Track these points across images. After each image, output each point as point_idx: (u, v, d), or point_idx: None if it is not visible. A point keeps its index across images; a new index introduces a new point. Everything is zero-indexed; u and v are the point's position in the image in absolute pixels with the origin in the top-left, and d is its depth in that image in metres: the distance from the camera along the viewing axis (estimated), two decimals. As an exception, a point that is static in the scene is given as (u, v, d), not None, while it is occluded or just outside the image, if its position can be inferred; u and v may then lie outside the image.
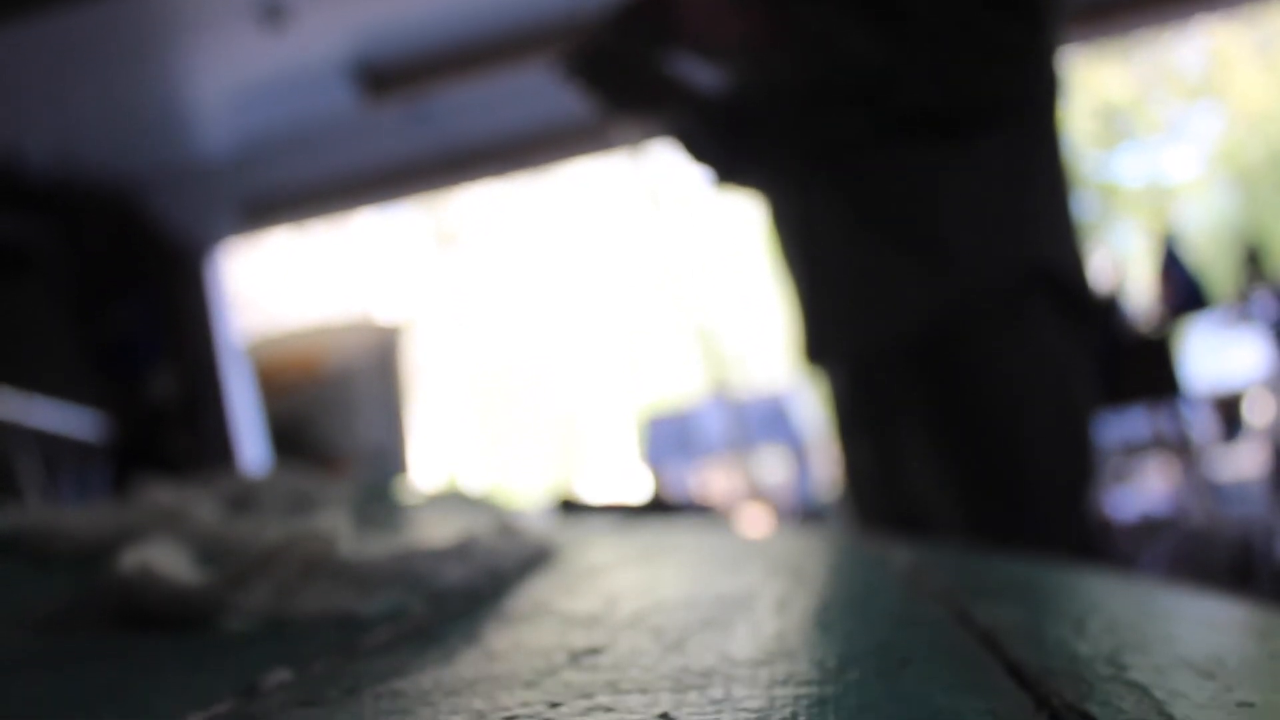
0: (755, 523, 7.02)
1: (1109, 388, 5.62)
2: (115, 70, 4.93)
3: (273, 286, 13.44)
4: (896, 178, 1.95)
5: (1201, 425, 8.10)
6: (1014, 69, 1.92)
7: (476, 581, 0.92)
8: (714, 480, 10.55)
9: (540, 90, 5.40)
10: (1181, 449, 6.52)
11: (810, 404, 8.81)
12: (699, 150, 2.21)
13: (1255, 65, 16.32)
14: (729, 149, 2.19)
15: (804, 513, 9.06)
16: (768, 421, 10.64)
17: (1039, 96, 1.97)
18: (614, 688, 0.53)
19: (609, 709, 0.49)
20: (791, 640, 0.63)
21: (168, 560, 0.84)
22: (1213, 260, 12.03)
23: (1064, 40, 2.07)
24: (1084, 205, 15.66)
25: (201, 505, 1.29)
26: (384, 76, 5.28)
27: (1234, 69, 16.44)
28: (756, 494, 10.51)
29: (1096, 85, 16.17)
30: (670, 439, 10.62)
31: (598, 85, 2.09)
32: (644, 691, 0.51)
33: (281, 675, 0.61)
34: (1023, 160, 1.95)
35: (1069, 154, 2.07)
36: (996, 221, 1.91)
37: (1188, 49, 16.43)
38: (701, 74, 2.13)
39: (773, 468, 11.21)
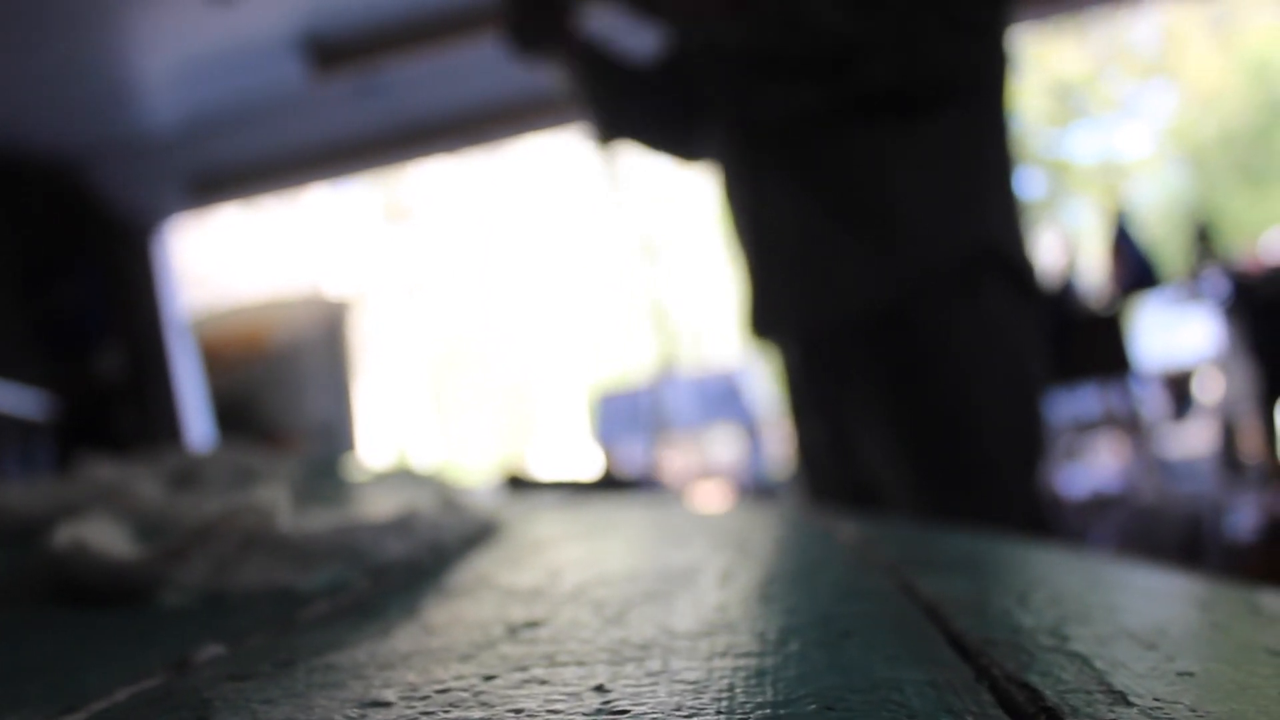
0: (707, 499, 7.03)
1: (1060, 365, 5.67)
2: (60, 43, 4.87)
3: (222, 262, 13.37)
4: (848, 155, 1.95)
5: (1152, 402, 8.18)
6: (973, 45, 1.92)
7: (418, 555, 0.91)
8: (666, 457, 10.56)
9: (491, 65, 5.37)
10: (1132, 426, 6.59)
11: (762, 381, 8.84)
12: (592, 102, 2.21)
13: (1208, 44, 16.46)
14: (619, 109, 2.20)
15: (756, 489, 9.09)
16: (720, 399, 10.66)
17: (991, 75, 1.97)
18: (551, 660, 0.52)
19: (543, 681, 0.48)
20: (733, 613, 0.63)
21: (103, 535, 0.83)
22: (1164, 238, 12.14)
23: (1015, 18, 2.08)
24: (1033, 183, 15.78)
25: (143, 481, 1.28)
26: (333, 50, 5.23)
27: (1187, 47, 16.58)
28: (709, 471, 10.54)
29: (1050, 62, 16.28)
30: (622, 416, 10.62)
31: (522, 30, 2.09)
32: (581, 664, 0.51)
33: (215, 649, 0.60)
34: (973, 139, 1.95)
35: (1016, 133, 2.07)
36: (947, 200, 1.91)
37: (1142, 27, 16.54)
38: (652, 37, 2.13)
39: (725, 445, 11.25)
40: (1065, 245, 7.77)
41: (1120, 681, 0.44)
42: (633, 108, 2.21)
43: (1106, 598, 0.71)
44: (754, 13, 1.92)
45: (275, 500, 0.86)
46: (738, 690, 0.45)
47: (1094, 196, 16.75)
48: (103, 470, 1.33)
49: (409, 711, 0.45)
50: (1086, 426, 7.18)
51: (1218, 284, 5.93)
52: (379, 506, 1.13)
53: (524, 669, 0.51)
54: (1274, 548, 4.47)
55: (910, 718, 0.40)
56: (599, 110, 2.22)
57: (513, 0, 2.08)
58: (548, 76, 2.23)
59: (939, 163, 1.92)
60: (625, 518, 1.33)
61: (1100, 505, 5.98)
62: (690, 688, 0.46)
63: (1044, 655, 0.48)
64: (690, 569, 0.80)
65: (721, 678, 0.47)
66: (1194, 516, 5.22)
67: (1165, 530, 5.28)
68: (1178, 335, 8.48)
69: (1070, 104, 17.27)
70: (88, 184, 6.22)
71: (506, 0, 2.08)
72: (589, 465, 9.87)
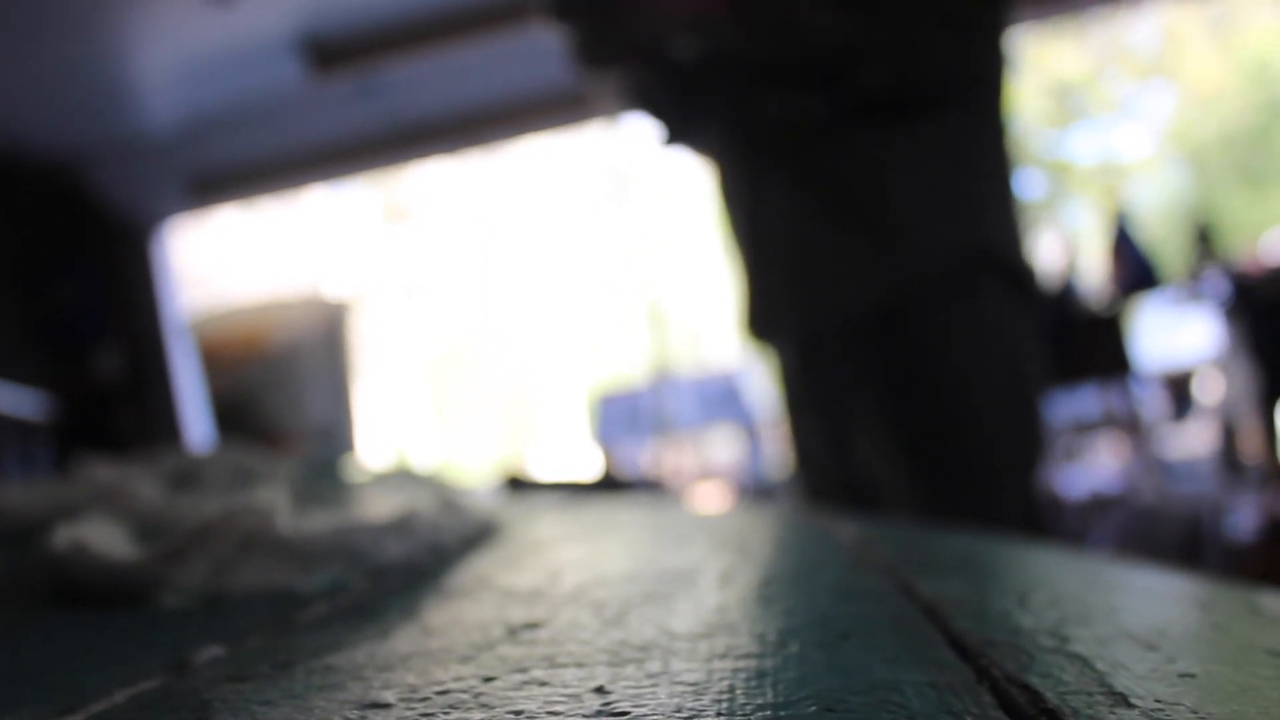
0: (706, 500, 7.03)
1: (1060, 365, 5.67)
2: (59, 43, 4.86)
3: (221, 262, 13.37)
4: (846, 158, 1.94)
5: (1152, 403, 8.17)
6: (971, 45, 1.91)
7: (418, 557, 0.91)
8: (665, 458, 10.56)
9: (490, 65, 5.38)
10: (1132, 427, 6.58)
11: (761, 382, 8.83)
12: (657, 109, 2.19)
13: (1207, 44, 16.46)
14: (684, 113, 2.18)
15: (755, 490, 9.08)
16: (719, 399, 10.66)
17: (988, 76, 1.97)
18: (550, 661, 0.52)
19: (543, 683, 0.48)
20: (733, 614, 0.63)
21: (102, 536, 0.83)
22: (1164, 239, 12.15)
23: (1015, 18, 2.07)
24: (1033, 184, 15.78)
25: (142, 482, 1.27)
26: (331, 51, 5.23)
27: (1186, 48, 16.57)
28: (708, 472, 10.54)
29: (1050, 63, 16.28)
30: (621, 417, 10.62)
31: (580, 28, 2.05)
32: (580, 665, 0.51)
33: (213, 651, 0.60)
34: (970, 142, 1.95)
35: (1013, 134, 2.06)
36: (945, 202, 1.91)
37: (1141, 27, 16.53)
38: (664, 39, 2.11)
39: (724, 446, 11.25)
40: (1065, 246, 7.76)
41: (1121, 683, 0.44)
42: (689, 110, 2.20)
43: (1106, 598, 0.71)
44: (746, 17, 1.92)
45: (274, 501, 0.85)
46: (738, 692, 0.45)
47: (1094, 197, 16.76)
48: (102, 471, 1.33)
49: (408, 713, 0.45)
50: (1086, 427, 7.18)
51: (1218, 284, 5.92)
52: (378, 508, 1.13)
53: (524, 670, 0.51)
54: (1274, 548, 4.47)
55: (910, 719, 0.40)
56: (665, 116, 2.20)
57: (583, 15, 2.04)
58: (601, 85, 2.20)
59: (937, 165, 1.91)
60: (625, 519, 1.32)
61: (1100, 506, 5.98)
62: (690, 689, 0.46)
63: (1044, 656, 0.48)
64: (690, 570, 0.80)
65: (721, 679, 0.47)
66: (1194, 517, 5.22)
67: (1165, 531, 5.27)
68: (1178, 336, 8.48)
69: (1070, 105, 17.27)
70: (87, 184, 6.21)
71: (576, 16, 2.04)
72: (589, 466, 9.86)
